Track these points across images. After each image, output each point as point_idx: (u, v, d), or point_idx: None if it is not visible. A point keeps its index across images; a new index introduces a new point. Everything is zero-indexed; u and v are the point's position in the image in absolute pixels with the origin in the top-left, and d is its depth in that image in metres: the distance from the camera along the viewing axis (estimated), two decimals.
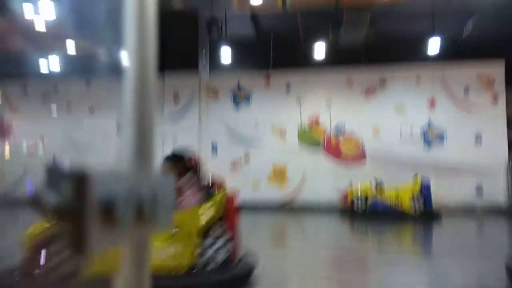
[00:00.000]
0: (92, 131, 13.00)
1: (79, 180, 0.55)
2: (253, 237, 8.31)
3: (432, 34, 10.25)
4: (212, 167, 11.80)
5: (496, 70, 11.61)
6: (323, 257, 6.25)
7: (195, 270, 3.91)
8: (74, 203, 0.55)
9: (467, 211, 10.72)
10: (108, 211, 0.56)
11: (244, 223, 9.99)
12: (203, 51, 12.69)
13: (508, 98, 11.67)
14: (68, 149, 13.20)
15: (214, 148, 12.82)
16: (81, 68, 11.98)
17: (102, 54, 11.25)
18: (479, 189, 11.20)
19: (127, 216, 0.58)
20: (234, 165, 12.61)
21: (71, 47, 11.17)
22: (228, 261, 4.21)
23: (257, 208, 11.52)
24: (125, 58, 0.81)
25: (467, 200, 11.05)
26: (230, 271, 4.14)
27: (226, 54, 12.01)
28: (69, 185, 0.57)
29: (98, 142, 12.73)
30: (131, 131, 0.75)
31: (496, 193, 11.00)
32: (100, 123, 13.04)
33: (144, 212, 0.61)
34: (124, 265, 0.63)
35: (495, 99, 11.58)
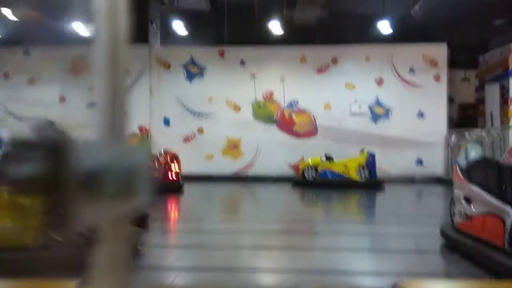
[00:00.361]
0: (33, 102, 12.10)
1: (60, 150, 0.53)
2: (201, 206, 8.42)
3: (382, 16, 10.59)
4: (165, 141, 11.57)
5: (440, 52, 12.27)
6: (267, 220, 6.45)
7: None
8: (55, 174, 0.53)
9: (408, 180, 11.57)
10: (91, 182, 0.55)
11: (197, 193, 10.02)
12: (154, 21, 12.18)
13: (450, 78, 12.45)
14: (7, 121, 12.25)
15: (166, 122, 12.53)
16: (20, 36, 11.04)
17: (42, 21, 10.42)
18: (419, 161, 12.07)
19: (112, 188, 0.57)
20: (188, 139, 12.45)
21: (9, 13, 10.24)
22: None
23: (211, 180, 11.61)
24: (95, 27, 0.77)
25: (408, 170, 11.89)
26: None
27: (179, 26, 11.59)
28: (47, 156, 0.54)
29: (39, 114, 11.87)
30: (104, 103, 0.73)
31: (434, 165, 11.88)
32: (41, 94, 12.18)
33: (127, 184, 0.60)
34: (106, 238, 0.62)
35: (437, 79, 12.28)
